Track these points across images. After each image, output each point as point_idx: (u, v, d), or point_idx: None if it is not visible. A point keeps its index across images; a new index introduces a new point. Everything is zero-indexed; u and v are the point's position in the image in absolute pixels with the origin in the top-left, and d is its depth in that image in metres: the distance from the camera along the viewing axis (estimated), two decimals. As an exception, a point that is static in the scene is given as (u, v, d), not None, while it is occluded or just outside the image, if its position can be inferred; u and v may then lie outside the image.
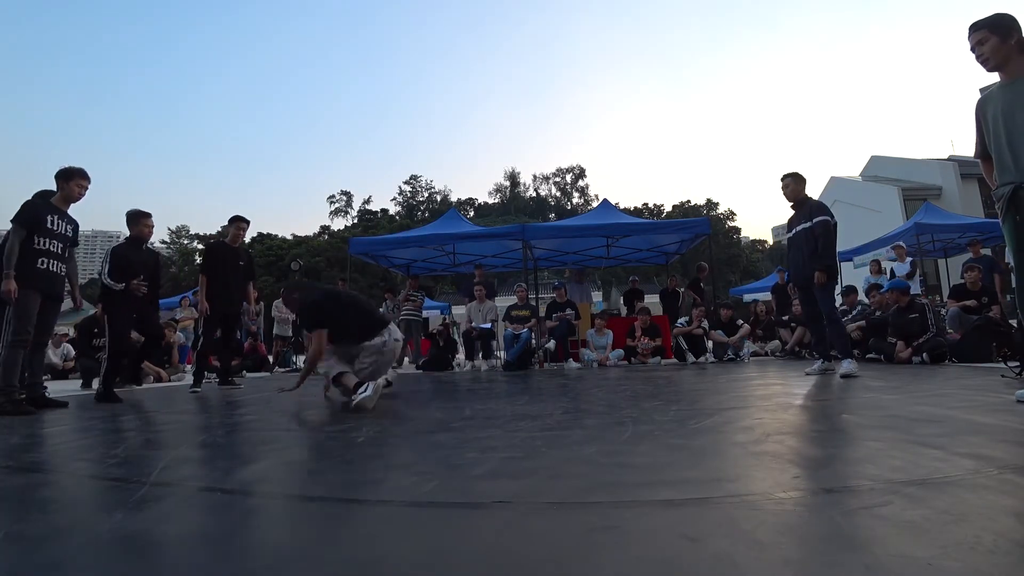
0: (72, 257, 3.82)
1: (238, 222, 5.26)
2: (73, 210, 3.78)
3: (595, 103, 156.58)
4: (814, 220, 4.31)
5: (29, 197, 3.68)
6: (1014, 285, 2.43)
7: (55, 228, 3.59)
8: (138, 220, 4.40)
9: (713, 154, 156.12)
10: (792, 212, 4.62)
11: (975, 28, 2.38)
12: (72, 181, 3.68)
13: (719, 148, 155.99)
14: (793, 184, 4.56)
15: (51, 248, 3.56)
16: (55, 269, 3.60)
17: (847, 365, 4.00)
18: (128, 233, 4.45)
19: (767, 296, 10.86)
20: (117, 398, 3.93)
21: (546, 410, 2.68)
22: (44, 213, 3.55)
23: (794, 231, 4.54)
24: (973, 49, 2.39)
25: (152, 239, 4.71)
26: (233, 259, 5.11)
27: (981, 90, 2.61)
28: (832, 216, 4.36)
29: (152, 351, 5.03)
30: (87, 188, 3.78)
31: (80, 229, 4.04)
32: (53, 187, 3.73)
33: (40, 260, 3.50)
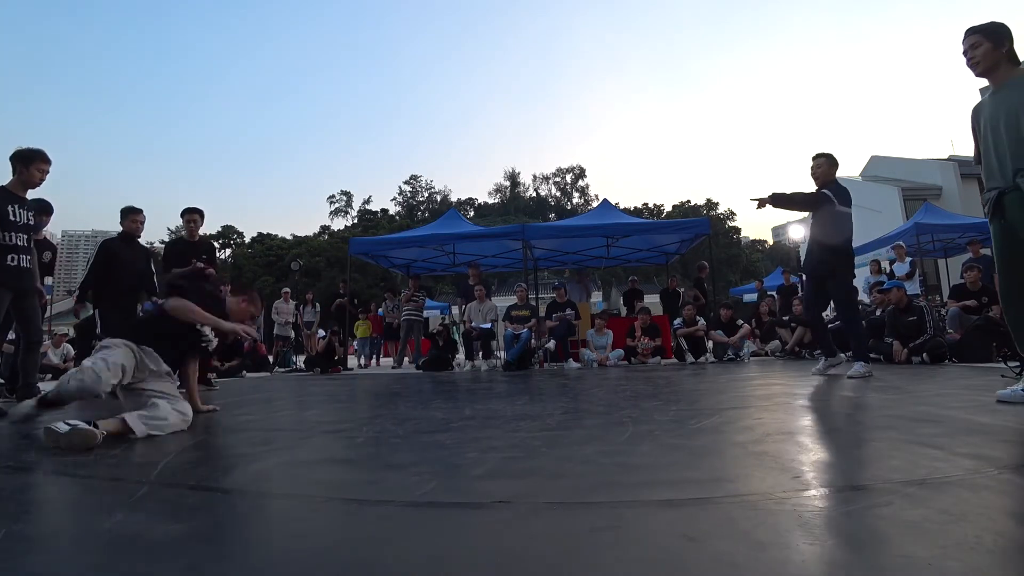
0: (33, 247, 3.52)
1: (188, 214, 4.94)
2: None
3: (595, 103, 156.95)
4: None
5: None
6: (996, 286, 2.46)
7: (18, 219, 3.32)
8: (127, 216, 4.53)
9: (713, 154, 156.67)
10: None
11: (971, 32, 2.45)
12: (32, 165, 3.37)
13: (719, 148, 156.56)
14: (826, 165, 4.32)
15: (17, 242, 3.32)
16: (24, 264, 3.38)
17: (858, 368, 3.76)
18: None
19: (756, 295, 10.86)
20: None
21: (546, 410, 2.68)
22: (4, 204, 3.27)
23: (814, 215, 4.36)
24: (966, 52, 2.45)
25: (152, 239, 4.71)
26: (193, 254, 4.85)
27: (981, 90, 2.64)
28: (850, 203, 4.21)
29: None
30: (48, 172, 3.46)
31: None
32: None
33: (9, 257, 3.28)
